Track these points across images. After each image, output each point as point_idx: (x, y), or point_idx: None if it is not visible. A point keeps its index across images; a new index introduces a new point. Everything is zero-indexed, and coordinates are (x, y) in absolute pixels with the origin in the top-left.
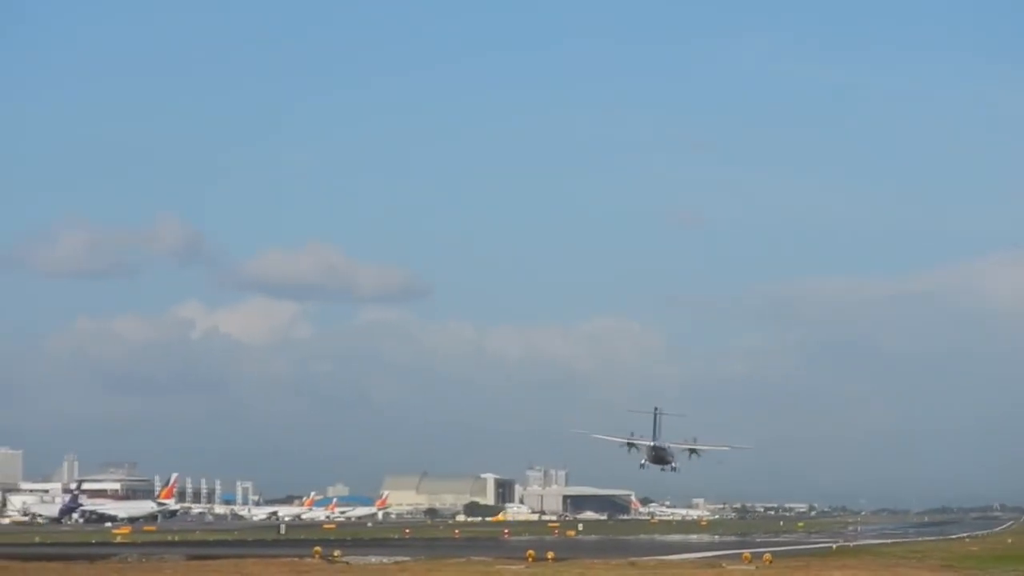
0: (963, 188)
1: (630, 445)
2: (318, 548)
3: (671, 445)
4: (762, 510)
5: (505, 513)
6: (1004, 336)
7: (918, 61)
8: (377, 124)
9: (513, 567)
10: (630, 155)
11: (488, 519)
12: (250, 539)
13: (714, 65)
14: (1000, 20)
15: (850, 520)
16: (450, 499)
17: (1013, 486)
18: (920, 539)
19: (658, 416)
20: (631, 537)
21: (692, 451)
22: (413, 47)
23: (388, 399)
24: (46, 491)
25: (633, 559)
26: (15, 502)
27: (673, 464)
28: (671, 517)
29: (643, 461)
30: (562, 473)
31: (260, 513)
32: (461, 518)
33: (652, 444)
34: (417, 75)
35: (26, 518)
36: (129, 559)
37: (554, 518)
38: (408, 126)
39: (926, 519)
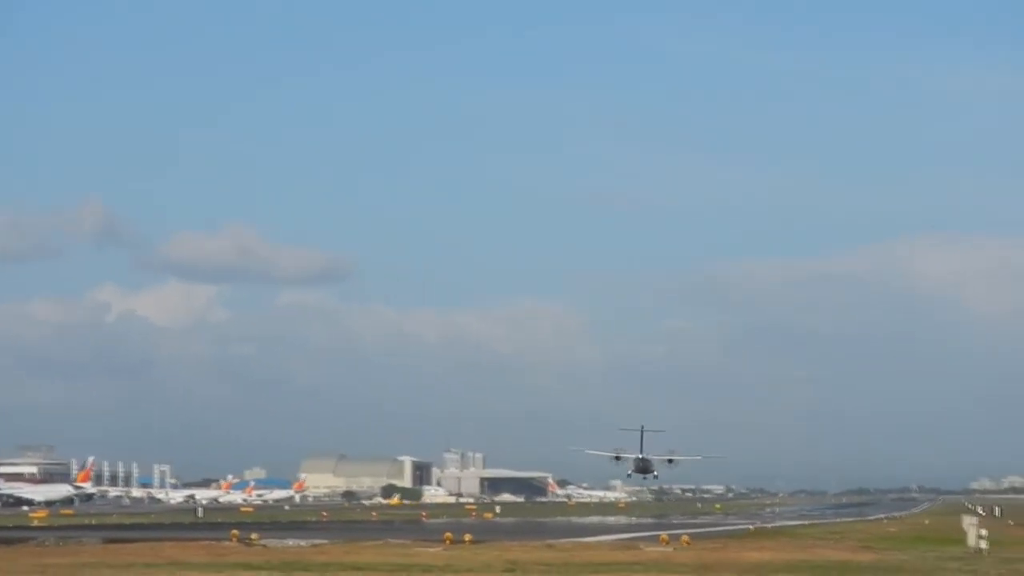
0: (887, 169)
1: (617, 458)
2: (235, 531)
3: (653, 457)
4: (680, 492)
5: (393, 498)
6: (927, 318)
7: (842, 42)
8: (294, 105)
9: (431, 549)
10: (554, 137)
11: (407, 501)
12: (167, 522)
13: (641, 47)
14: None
15: (768, 502)
16: (368, 482)
17: (931, 468)
18: (838, 520)
19: (643, 433)
20: (549, 519)
21: (670, 461)
22: (337, 30)
23: (306, 382)
24: None
25: (551, 541)
26: None
27: (655, 473)
28: (588, 499)
29: (629, 471)
30: (480, 456)
31: (177, 496)
32: (379, 500)
33: (638, 457)
34: (336, 59)
35: None
36: (46, 543)
37: (472, 501)
38: (327, 107)
39: (844, 500)
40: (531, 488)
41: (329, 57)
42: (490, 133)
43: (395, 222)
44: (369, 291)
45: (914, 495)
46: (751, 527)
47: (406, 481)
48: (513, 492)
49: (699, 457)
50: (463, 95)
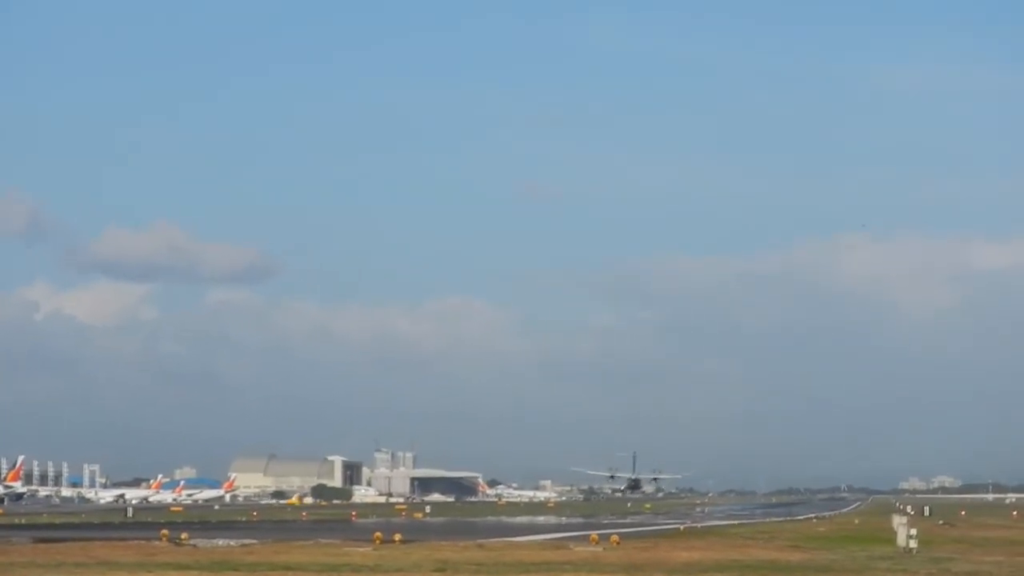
0: (814, 167)
1: (612, 477)
2: (165, 531)
3: (642, 477)
4: (609, 492)
5: (298, 497)
6: (855, 317)
7: (771, 37)
8: (222, 104)
9: (361, 549)
10: (481, 131)
11: (336, 501)
12: (97, 522)
13: (570, 43)
14: None
15: (697, 501)
16: (298, 481)
17: (860, 467)
18: (767, 520)
19: (635, 457)
20: (479, 519)
21: (655, 479)
22: (265, 31)
23: (236, 381)
24: None
25: (481, 541)
26: None
27: (644, 489)
28: (518, 499)
29: (622, 488)
30: (410, 455)
31: (107, 496)
32: (309, 500)
33: (631, 477)
34: (261, 56)
35: None
36: None
37: (402, 500)
38: (252, 104)
39: (773, 500)
40: (461, 488)
41: (256, 56)
42: (417, 130)
43: (323, 219)
44: (297, 289)
45: (844, 495)
46: (681, 527)
47: (336, 481)
48: (443, 492)
49: (679, 476)
50: (391, 92)
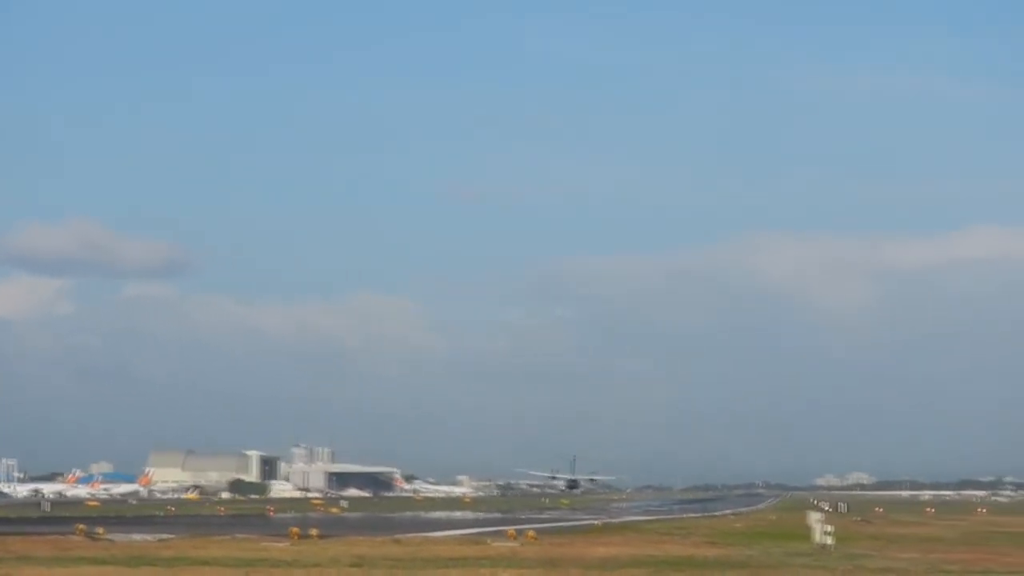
0: (734, 168)
1: (554, 478)
2: (81, 525)
3: (580, 478)
4: (526, 487)
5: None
6: (773, 315)
7: (691, 37)
8: (141, 98)
9: (278, 544)
10: (404, 131)
11: (253, 496)
12: (13, 516)
13: (495, 43)
14: None
15: (614, 497)
16: (215, 476)
17: (775, 463)
18: (684, 516)
19: (575, 460)
20: (395, 514)
21: (592, 479)
22: (184, 28)
23: (153, 375)
24: None
25: (398, 536)
26: None
27: (581, 489)
28: (435, 494)
29: (562, 487)
30: (327, 450)
31: (23, 490)
32: (226, 495)
33: (570, 478)
34: (181, 55)
35: None
36: None
37: (318, 495)
38: (170, 98)
39: (690, 496)
40: (378, 483)
41: (174, 53)
42: (344, 128)
43: (240, 214)
44: (214, 284)
45: (760, 491)
46: (598, 522)
47: (253, 475)
48: (360, 487)
49: (614, 477)
50: (310, 91)
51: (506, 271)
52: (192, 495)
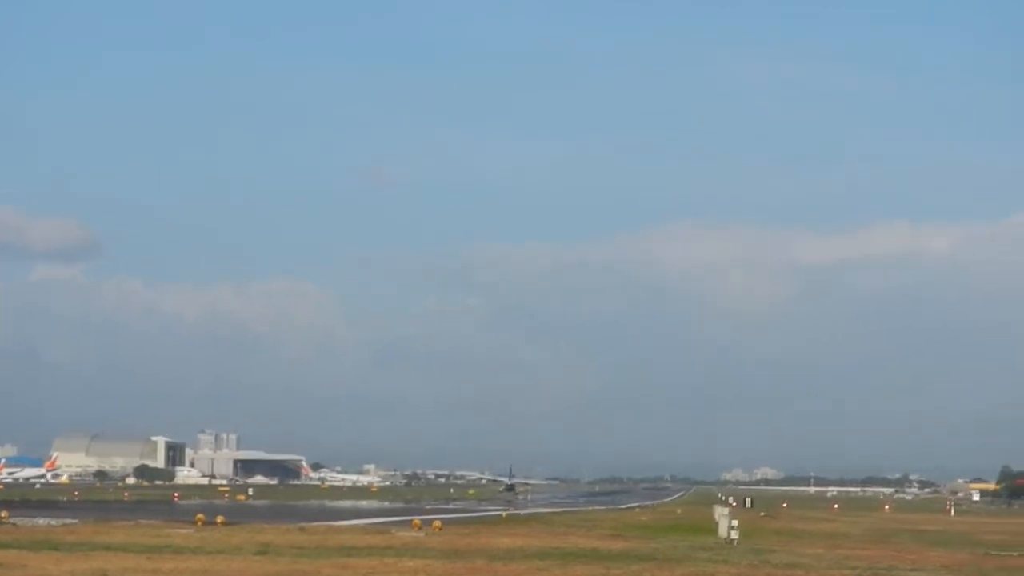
0: (646, 158)
1: (493, 482)
2: None
3: (516, 482)
4: (433, 477)
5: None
6: (682, 307)
7: (608, 25)
8: (47, 77)
9: (182, 531)
10: (316, 115)
11: (158, 482)
12: None
13: (414, 27)
14: None
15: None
16: (120, 461)
17: (683, 457)
18: (591, 508)
19: (512, 468)
20: (302, 502)
21: (527, 483)
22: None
23: (59, 359)
24: None
25: (303, 524)
26: None
27: (518, 492)
28: (342, 483)
29: (501, 490)
30: (234, 437)
31: None
32: (132, 481)
33: (508, 482)
34: (93, 28)
35: None
36: None
37: (225, 482)
38: (81, 79)
39: (597, 489)
40: (285, 471)
41: (82, 30)
42: (256, 110)
43: (150, 197)
44: (124, 266)
45: (667, 484)
46: (504, 513)
47: (159, 462)
48: (267, 474)
49: (546, 482)
50: (224, 74)
51: (416, 258)
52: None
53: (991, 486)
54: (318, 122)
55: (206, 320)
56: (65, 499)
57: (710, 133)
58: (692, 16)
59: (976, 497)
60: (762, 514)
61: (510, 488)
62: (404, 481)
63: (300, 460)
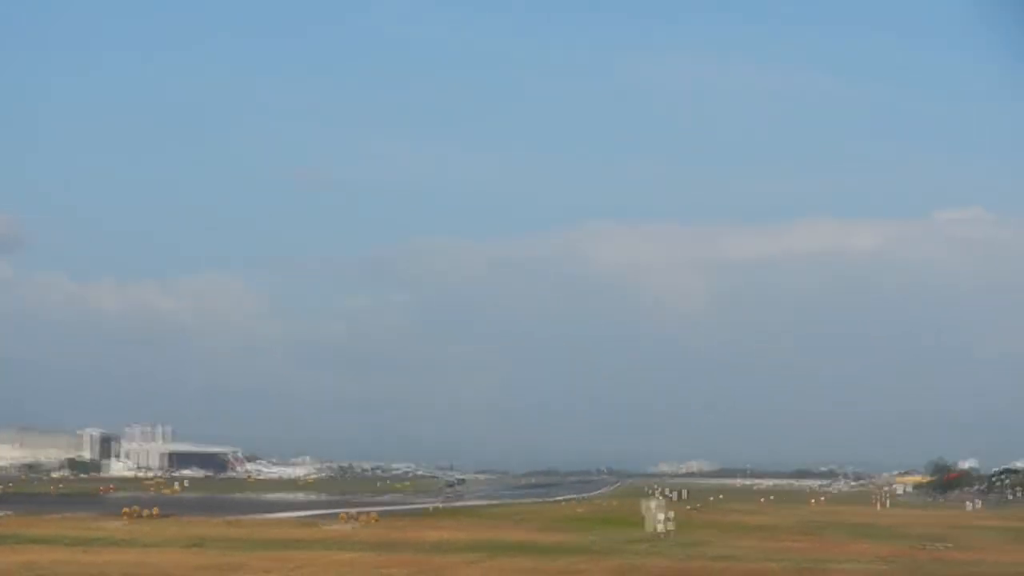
0: (574, 156)
1: (426, 476)
2: None
3: (458, 476)
4: (366, 470)
5: None
6: (612, 303)
7: (547, 28)
8: None
9: (112, 524)
10: (247, 114)
11: (89, 475)
12: None
13: (350, 28)
14: None
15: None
16: (52, 453)
17: (614, 450)
18: (523, 501)
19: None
20: (233, 495)
21: (463, 480)
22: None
23: None
24: None
25: (234, 517)
26: None
27: (459, 487)
28: (276, 475)
29: (444, 485)
30: (168, 429)
31: None
32: (61, 474)
33: (458, 477)
34: (18, 23)
35: None
36: None
37: (156, 475)
38: (5, 73)
39: (532, 481)
40: (216, 463)
41: (28, 24)
42: (187, 110)
43: (73, 191)
44: (46, 261)
45: (600, 476)
46: (434, 506)
47: (90, 454)
48: (198, 467)
49: (488, 476)
50: (156, 75)
51: (345, 256)
52: None
53: (921, 479)
54: (243, 124)
55: (134, 315)
56: None
57: (634, 133)
58: (610, 20)
59: (900, 491)
60: (695, 507)
61: (455, 483)
62: (336, 474)
63: (234, 452)
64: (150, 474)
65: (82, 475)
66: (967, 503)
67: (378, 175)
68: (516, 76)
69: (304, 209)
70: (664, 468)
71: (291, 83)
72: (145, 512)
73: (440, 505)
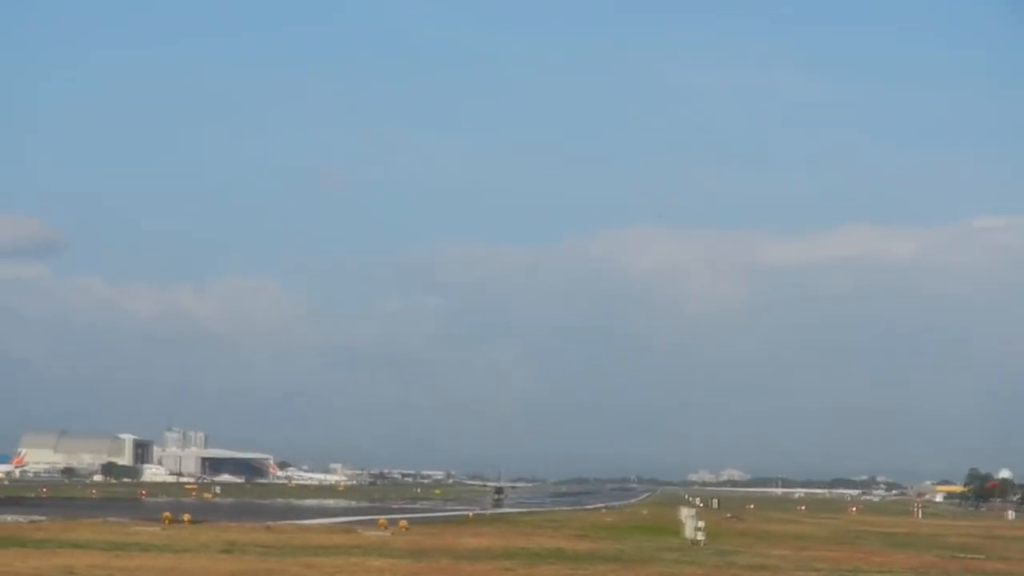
0: (610, 160)
1: (484, 486)
2: None
3: (505, 485)
4: (399, 476)
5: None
6: (649, 308)
7: (565, 27)
8: (9, 73)
9: (149, 528)
10: (277, 114)
11: (126, 480)
12: None
13: (369, 26)
14: None
15: (487, 489)
16: (88, 459)
17: (650, 458)
18: (556, 509)
19: (500, 473)
20: (268, 501)
21: (514, 486)
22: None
23: (25, 356)
24: None
25: (269, 523)
26: None
27: (506, 495)
28: (309, 482)
29: (491, 493)
30: (201, 435)
31: None
32: (98, 479)
33: (498, 485)
34: (42, 21)
35: None
36: None
37: (192, 480)
38: (39, 74)
39: (564, 489)
40: (251, 469)
41: (41, 25)
42: (206, 109)
43: (113, 196)
44: (84, 266)
45: (633, 485)
46: (470, 513)
47: (126, 459)
48: (233, 472)
49: (531, 483)
50: (191, 72)
51: (377, 258)
52: None
53: (958, 488)
54: (276, 127)
55: (169, 319)
56: (32, 496)
57: (672, 136)
58: (652, 23)
59: (939, 499)
60: (728, 515)
61: (500, 490)
62: (370, 480)
63: (267, 459)
64: (187, 479)
65: (120, 480)
66: (1009, 512)
67: (411, 178)
68: (554, 75)
69: (338, 211)
70: (698, 477)
71: (325, 86)
72: (186, 516)
73: (483, 512)
